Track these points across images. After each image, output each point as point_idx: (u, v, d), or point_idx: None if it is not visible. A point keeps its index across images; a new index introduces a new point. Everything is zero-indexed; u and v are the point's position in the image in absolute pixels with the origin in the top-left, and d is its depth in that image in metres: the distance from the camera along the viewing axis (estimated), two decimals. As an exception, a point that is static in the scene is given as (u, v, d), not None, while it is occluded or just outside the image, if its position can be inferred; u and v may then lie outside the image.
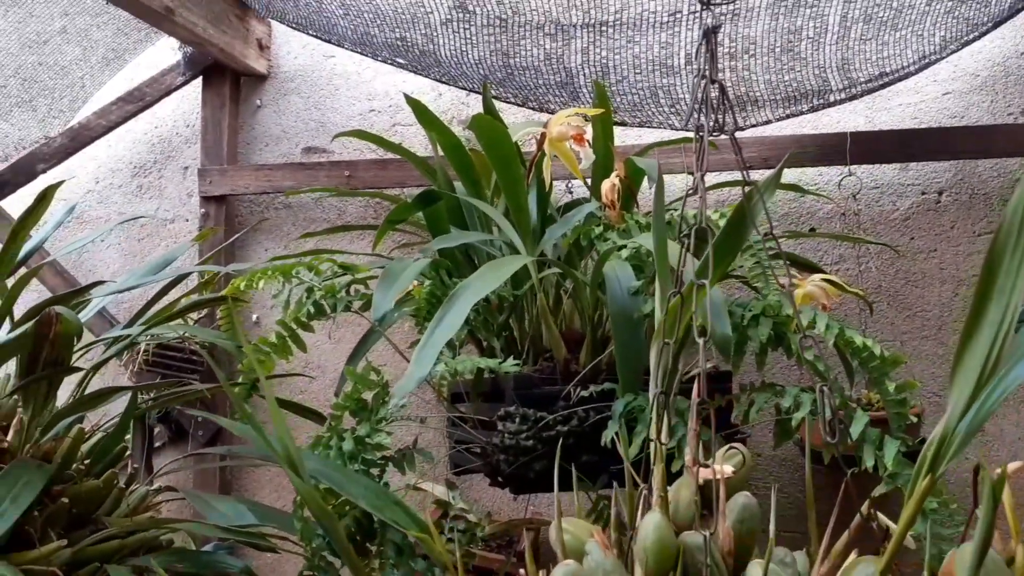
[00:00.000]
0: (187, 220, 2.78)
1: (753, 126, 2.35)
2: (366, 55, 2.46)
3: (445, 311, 1.26)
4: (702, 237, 0.96)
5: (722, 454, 0.97)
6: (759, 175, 2.38)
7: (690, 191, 1.04)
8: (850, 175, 2.34)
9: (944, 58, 2.27)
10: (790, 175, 2.43)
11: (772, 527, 0.83)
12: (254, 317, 2.65)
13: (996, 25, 2.22)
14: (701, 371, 0.90)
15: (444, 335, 1.23)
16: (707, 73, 0.97)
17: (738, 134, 2.42)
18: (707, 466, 0.89)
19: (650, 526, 0.88)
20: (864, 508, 0.91)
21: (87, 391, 1.77)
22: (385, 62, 2.45)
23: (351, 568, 0.96)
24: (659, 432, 0.96)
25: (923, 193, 2.41)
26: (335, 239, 2.59)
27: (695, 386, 0.96)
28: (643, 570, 0.87)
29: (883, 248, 2.38)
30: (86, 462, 1.68)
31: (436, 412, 2.31)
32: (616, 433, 1.27)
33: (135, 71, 2.72)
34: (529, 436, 1.51)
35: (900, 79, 2.29)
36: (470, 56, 2.22)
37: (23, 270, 1.81)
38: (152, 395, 1.74)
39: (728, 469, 0.92)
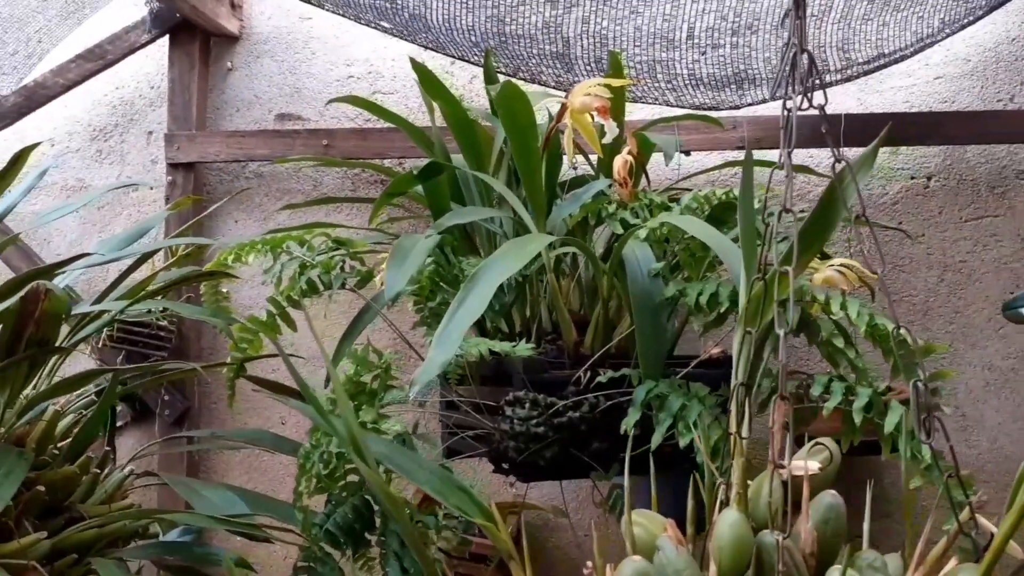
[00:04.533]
0: (151, 188, 2.63)
1: (750, 104, 2.30)
2: (348, 17, 2.34)
3: (466, 293, 1.19)
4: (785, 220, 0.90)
5: (807, 450, 0.92)
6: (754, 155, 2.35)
7: (777, 166, 0.98)
8: (839, 161, 2.32)
9: (939, 41, 2.26)
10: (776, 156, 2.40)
11: (866, 527, 0.78)
12: (224, 291, 2.52)
13: (991, 9, 2.22)
14: (782, 365, 0.84)
15: (466, 318, 1.16)
16: (797, 42, 0.90)
17: (732, 113, 2.40)
18: (782, 466, 0.84)
19: (726, 523, 0.83)
20: (964, 514, 0.87)
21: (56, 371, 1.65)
22: (368, 25, 2.34)
23: (422, 560, 0.89)
24: (739, 425, 0.91)
25: (912, 178, 2.41)
26: (312, 212, 2.47)
27: (779, 380, 0.91)
28: (717, 569, 0.82)
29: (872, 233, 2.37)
30: (59, 446, 1.56)
31: (429, 396, 2.23)
32: (693, 426, 1.20)
33: (96, 27, 2.54)
34: (539, 423, 1.45)
35: (895, 61, 2.27)
36: (463, 21, 2.13)
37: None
38: (131, 375, 1.62)
39: (814, 466, 0.87)
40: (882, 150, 2.42)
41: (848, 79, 2.30)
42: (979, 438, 2.31)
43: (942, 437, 1.01)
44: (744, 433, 0.91)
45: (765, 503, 0.85)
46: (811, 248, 0.93)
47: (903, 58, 2.27)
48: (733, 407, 0.93)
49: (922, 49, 2.26)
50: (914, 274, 2.38)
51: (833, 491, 0.88)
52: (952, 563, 0.84)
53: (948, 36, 2.27)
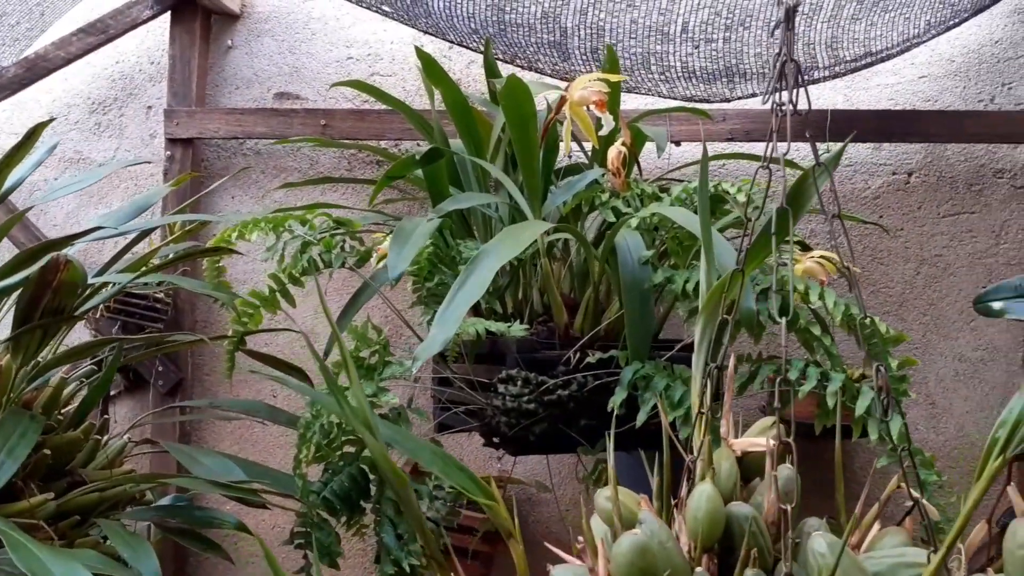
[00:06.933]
0: (149, 162, 2.66)
1: (739, 98, 2.37)
2: (350, 0, 2.37)
3: (467, 275, 1.25)
4: (782, 216, 0.97)
5: (765, 426, 1.00)
6: (738, 147, 2.42)
7: (762, 166, 1.04)
8: (818, 165, 2.39)
9: (925, 42, 2.32)
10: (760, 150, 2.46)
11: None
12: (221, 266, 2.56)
13: (976, 12, 2.29)
14: (783, 350, 0.91)
15: (466, 300, 1.22)
16: (786, 52, 0.97)
17: (722, 106, 2.45)
18: (787, 446, 0.91)
19: (702, 497, 0.90)
20: (892, 483, 0.95)
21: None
22: (370, 8, 2.37)
23: (418, 530, 0.95)
24: (707, 403, 0.98)
25: (894, 173, 2.48)
26: (308, 190, 2.52)
27: (731, 360, 0.98)
28: (692, 540, 0.90)
29: (853, 225, 2.44)
30: (63, 412, 1.61)
31: (423, 372, 2.29)
32: (656, 405, 1.28)
33: (99, 1, 2.56)
34: (531, 400, 1.52)
35: (882, 60, 2.34)
36: (463, 8, 2.17)
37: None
38: (136, 345, 1.67)
39: (772, 441, 0.94)
40: (866, 146, 2.49)
41: (836, 76, 2.36)
42: (947, 425, 2.40)
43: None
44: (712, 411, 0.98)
45: (726, 477, 0.94)
46: (767, 245, 1.00)
47: (889, 57, 2.34)
48: (695, 387, 1.00)
49: (908, 49, 2.33)
50: (892, 266, 2.46)
51: (789, 465, 0.95)
52: (876, 526, 0.92)
53: (934, 37, 2.33)
